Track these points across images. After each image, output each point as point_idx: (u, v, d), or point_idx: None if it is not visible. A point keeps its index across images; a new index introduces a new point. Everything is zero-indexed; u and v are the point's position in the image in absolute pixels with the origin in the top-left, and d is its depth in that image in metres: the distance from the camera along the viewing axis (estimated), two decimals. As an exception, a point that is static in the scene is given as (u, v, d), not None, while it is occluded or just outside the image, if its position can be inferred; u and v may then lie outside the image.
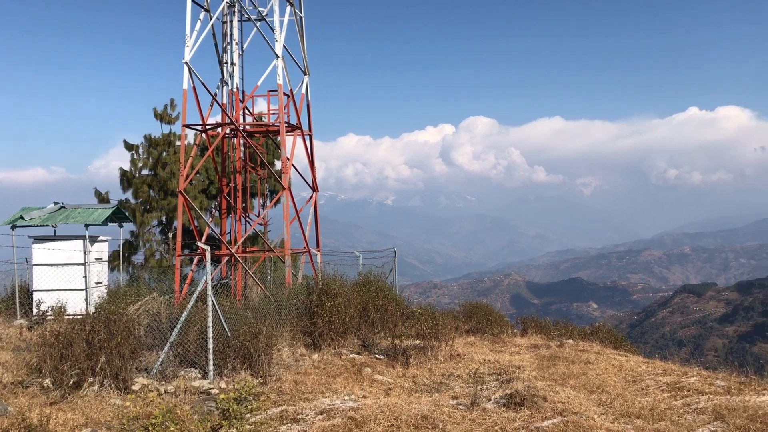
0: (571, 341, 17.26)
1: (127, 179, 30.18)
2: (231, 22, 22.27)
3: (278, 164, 30.90)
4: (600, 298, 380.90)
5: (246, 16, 22.50)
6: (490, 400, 10.61)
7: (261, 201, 27.33)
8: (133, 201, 29.93)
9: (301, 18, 23.68)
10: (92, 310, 16.45)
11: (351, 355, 14.47)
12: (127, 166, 30.39)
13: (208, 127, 22.47)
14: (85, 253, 18.81)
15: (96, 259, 19.52)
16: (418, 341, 15.23)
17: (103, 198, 28.90)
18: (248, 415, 8.74)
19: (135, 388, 11.41)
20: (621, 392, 11.40)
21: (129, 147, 30.80)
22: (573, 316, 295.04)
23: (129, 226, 27.81)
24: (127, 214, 23.62)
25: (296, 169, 23.49)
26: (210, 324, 11.96)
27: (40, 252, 18.70)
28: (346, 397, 10.84)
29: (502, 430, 9.07)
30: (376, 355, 14.65)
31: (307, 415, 9.75)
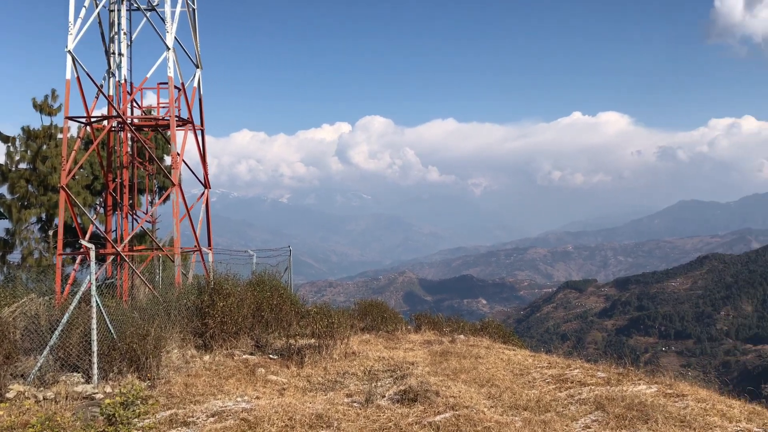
0: (462, 337, 17.69)
1: (1, 173, 28.33)
2: (119, 11, 21.30)
3: (168, 160, 29.84)
4: (489, 294, 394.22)
5: (135, 5, 21.59)
6: (384, 396, 10.70)
7: (149, 198, 26.38)
8: (9, 196, 28.11)
9: (193, 10, 22.96)
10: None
11: (244, 356, 14.19)
12: (1, 160, 28.55)
13: (93, 119, 21.37)
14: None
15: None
16: (313, 340, 15.15)
17: (-29, 193, 27.03)
18: (135, 420, 8.36)
19: (10, 395, 10.68)
20: (509, 385, 11.78)
21: (5, 139, 28.93)
22: (464, 312, 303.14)
23: (4, 223, 26.11)
24: (1, 210, 22.15)
25: (187, 165, 22.80)
26: (94, 326, 11.39)
27: None
28: (238, 399, 10.62)
29: (396, 426, 9.15)
30: (270, 356, 14.44)
31: (198, 418, 9.48)
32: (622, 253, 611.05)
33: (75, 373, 11.72)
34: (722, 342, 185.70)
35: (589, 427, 9.31)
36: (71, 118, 20.96)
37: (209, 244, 23.19)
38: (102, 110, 21.97)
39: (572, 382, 11.84)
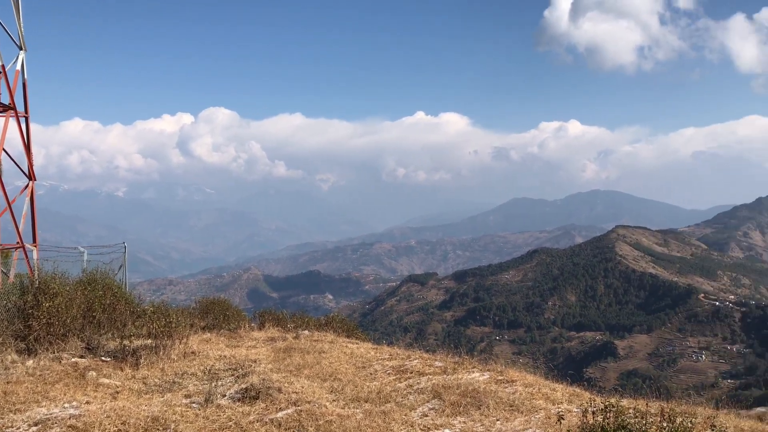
0: (307, 332, 17.70)
1: None
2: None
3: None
4: (335, 289, 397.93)
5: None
6: (225, 395, 10.46)
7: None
8: None
9: (15, -15, 21.12)
10: None
11: (73, 359, 13.27)
12: None
13: None
14: None
15: None
16: (150, 341, 14.49)
17: None
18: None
19: None
20: (352, 378, 11.96)
21: None
22: (310, 307, 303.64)
23: None
24: None
25: (8, 155, 20.94)
26: None
27: None
28: (66, 405, 9.91)
29: (237, 425, 8.98)
30: (103, 358, 13.63)
31: (19, 428, 8.75)
32: (460, 248, 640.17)
33: None
34: (550, 330, 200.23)
35: (426, 415, 9.67)
36: None
37: (34, 240, 21.50)
38: None
39: (411, 373, 12.24)
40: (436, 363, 13.00)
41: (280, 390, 10.50)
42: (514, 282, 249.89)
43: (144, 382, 11.97)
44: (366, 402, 10.31)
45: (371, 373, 12.49)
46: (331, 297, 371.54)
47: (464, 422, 9.31)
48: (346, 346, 15.36)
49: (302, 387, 10.99)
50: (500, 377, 11.55)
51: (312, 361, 13.49)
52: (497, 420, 9.32)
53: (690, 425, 7.32)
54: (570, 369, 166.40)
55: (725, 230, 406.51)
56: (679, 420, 7.30)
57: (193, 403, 10.17)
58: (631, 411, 7.60)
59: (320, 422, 9.04)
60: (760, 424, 9.06)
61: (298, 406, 9.74)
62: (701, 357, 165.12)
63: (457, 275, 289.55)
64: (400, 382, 11.64)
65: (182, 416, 9.26)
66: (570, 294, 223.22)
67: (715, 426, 7.32)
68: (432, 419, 9.48)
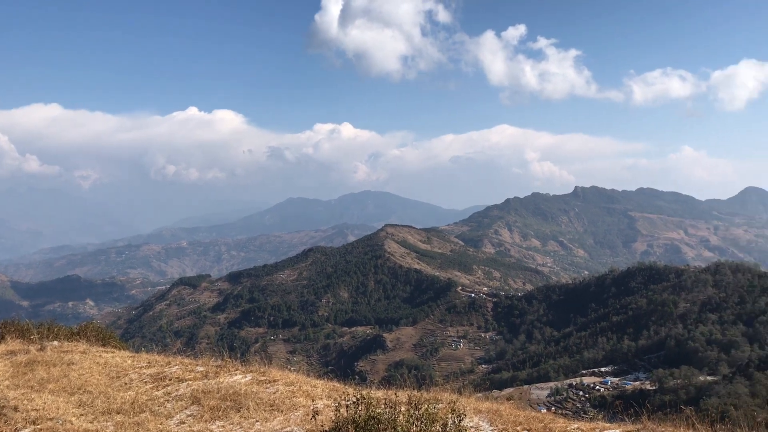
0: (55, 343, 16.19)
1: None
2: None
3: None
4: (98, 294, 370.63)
5: None
6: (-54, 421, 9.20)
7: None
8: None
9: None
10: None
11: None
12: None
13: None
14: None
15: None
16: None
17: None
18: None
19: None
20: (104, 390, 11.16)
21: None
22: (69, 315, 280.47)
23: None
24: None
25: None
26: None
27: None
28: None
29: (-41, 453, 7.94)
30: None
31: None
32: (235, 248, 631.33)
33: None
34: (323, 327, 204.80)
35: (184, 423, 9.33)
36: None
37: None
38: None
39: (171, 379, 11.74)
40: (198, 368, 12.60)
41: (16, 408, 9.50)
42: (290, 281, 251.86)
43: None
44: (118, 414, 9.69)
45: (126, 383, 11.76)
46: (92, 303, 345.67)
47: (223, 426, 9.13)
48: (100, 356, 14.30)
49: (44, 403, 10.04)
50: (262, 378, 11.49)
51: (58, 375, 12.36)
52: (256, 421, 9.26)
53: (434, 410, 7.85)
54: (343, 363, 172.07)
55: (479, 228, 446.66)
56: (424, 407, 7.80)
57: None
58: (382, 402, 7.96)
59: (62, 440, 8.31)
60: (495, 404, 9.98)
61: (38, 424, 8.89)
62: (459, 345, 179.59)
63: (232, 276, 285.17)
64: (158, 390, 11.11)
65: None
66: (343, 291, 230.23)
67: (455, 410, 7.92)
68: (189, 426, 9.18)
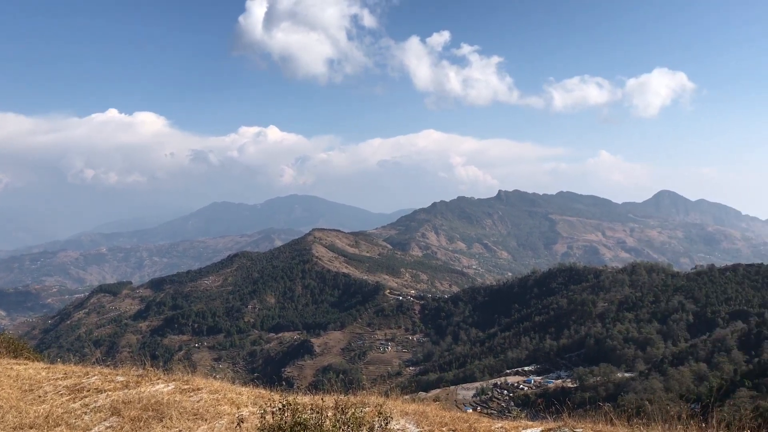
0: (-38, 356, 15.37)
1: None
2: None
3: None
4: (10, 304, 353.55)
5: None
6: None
7: None
8: None
9: None
10: None
11: None
12: None
13: None
14: None
15: None
16: None
17: None
18: None
19: None
20: (15, 404, 10.65)
21: None
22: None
23: None
24: None
25: None
26: None
27: None
28: None
29: None
30: None
31: None
32: (157, 254, 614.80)
33: None
34: (250, 333, 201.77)
35: (103, 435, 9.01)
36: None
37: None
38: None
39: (89, 391, 11.31)
40: (118, 378, 12.18)
41: None
42: (215, 287, 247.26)
43: None
44: (31, 428, 9.29)
45: (40, 396, 11.26)
46: (3, 313, 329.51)
47: (144, 437, 8.86)
48: (12, 368, 13.64)
49: (-51, 421, 9.49)
50: (186, 386, 11.22)
51: (-36, 390, 11.72)
52: (180, 431, 9.04)
53: (361, 414, 7.86)
54: (270, 370, 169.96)
55: (407, 232, 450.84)
56: (351, 411, 7.80)
57: None
58: (309, 407, 7.90)
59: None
60: (422, 406, 10.07)
61: (-58, 443, 8.39)
62: (387, 348, 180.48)
63: (154, 283, 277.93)
64: (75, 402, 10.68)
65: None
66: (270, 296, 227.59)
67: (381, 413, 7.95)
68: (108, 439, 8.86)
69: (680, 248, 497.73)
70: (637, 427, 8.73)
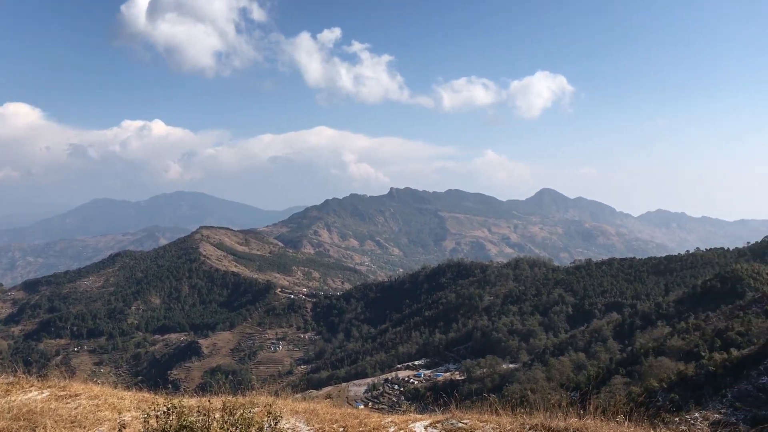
0: None
1: None
2: None
3: None
4: None
5: None
6: None
7: None
8: None
9: None
10: None
11: None
12: None
13: None
14: None
15: None
16: None
17: None
18: None
19: None
20: None
21: None
22: None
23: None
24: None
25: None
26: None
27: None
28: None
29: None
30: None
31: None
32: (32, 254, 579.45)
33: None
34: (133, 335, 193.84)
35: (-34, 450, 8.36)
36: None
37: None
38: None
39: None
40: (-14, 386, 11.36)
41: None
42: (95, 288, 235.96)
43: None
44: None
45: None
46: None
47: (15, 449, 8.30)
48: None
49: None
50: (62, 393, 10.62)
51: None
52: (55, 440, 8.53)
53: (250, 415, 7.72)
54: (155, 372, 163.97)
55: (299, 229, 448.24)
56: (240, 412, 7.65)
57: None
58: (195, 410, 7.68)
59: None
60: (312, 404, 10.04)
61: None
62: (279, 347, 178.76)
63: (28, 284, 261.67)
64: (-65, 415, 9.84)
65: None
66: (154, 297, 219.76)
67: (271, 413, 7.85)
68: (-26, 453, 8.24)
69: (560, 243, 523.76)
70: (520, 416, 9.09)
